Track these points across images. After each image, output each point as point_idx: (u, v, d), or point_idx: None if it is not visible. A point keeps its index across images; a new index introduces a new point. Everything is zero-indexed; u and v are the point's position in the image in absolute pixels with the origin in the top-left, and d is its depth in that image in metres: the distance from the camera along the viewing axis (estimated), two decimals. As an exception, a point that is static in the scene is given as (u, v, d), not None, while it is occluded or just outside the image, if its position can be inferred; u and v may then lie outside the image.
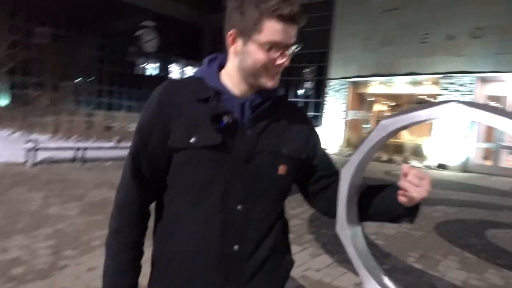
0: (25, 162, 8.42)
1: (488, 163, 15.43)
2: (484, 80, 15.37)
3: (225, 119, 0.99)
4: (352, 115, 19.52)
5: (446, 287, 3.59)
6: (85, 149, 9.66)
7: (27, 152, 8.45)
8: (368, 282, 1.00)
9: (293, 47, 0.99)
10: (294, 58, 1.03)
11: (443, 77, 15.78)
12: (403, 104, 18.83)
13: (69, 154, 9.52)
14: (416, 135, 16.63)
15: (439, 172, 14.18)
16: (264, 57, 0.97)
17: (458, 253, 4.61)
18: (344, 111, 19.58)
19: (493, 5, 14.45)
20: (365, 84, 19.30)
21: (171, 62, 39.60)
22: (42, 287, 3.00)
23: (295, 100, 23.78)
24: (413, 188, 0.95)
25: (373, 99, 20.09)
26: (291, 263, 1.17)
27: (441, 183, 10.72)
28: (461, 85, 15.29)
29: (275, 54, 0.97)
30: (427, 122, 0.91)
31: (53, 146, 9.96)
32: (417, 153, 16.35)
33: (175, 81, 1.09)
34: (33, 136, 11.45)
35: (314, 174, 1.15)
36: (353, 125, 19.56)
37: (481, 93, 15.61)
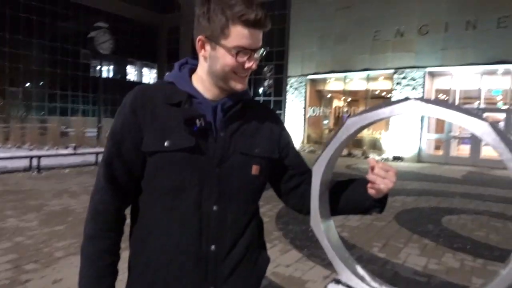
0: (-26, 174, 7.94)
1: (439, 153, 16.30)
2: (432, 75, 16.21)
3: (198, 122, 1.02)
4: (312, 111, 19.92)
5: (408, 273, 3.78)
6: (40, 157, 9.22)
7: (-24, 163, 7.97)
8: (343, 272, 1.05)
9: (261, 51, 1.03)
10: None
11: (395, 72, 16.48)
12: (360, 99, 19.47)
13: (23, 163, 9.05)
14: (374, 129, 17.24)
15: (395, 164, 14.81)
16: (232, 61, 1.00)
17: (417, 240, 4.86)
18: (304, 108, 19.94)
19: (436, 3, 15.27)
20: (323, 81, 19.75)
21: (127, 64, 38.55)
22: (4, 304, 2.86)
23: (256, 98, 23.88)
24: (380, 180, 1.00)
25: (331, 95, 20.59)
26: (267, 260, 1.21)
27: (398, 174, 11.17)
28: (412, 79, 16.04)
29: (242, 58, 1.00)
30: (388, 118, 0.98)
31: (5, 155, 9.42)
32: (375, 146, 16.97)
33: (146, 86, 1.10)
34: (-19, 146, 10.80)
35: (286, 172, 1.19)
36: (313, 122, 19.97)
37: (431, 87, 16.46)
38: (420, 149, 15.80)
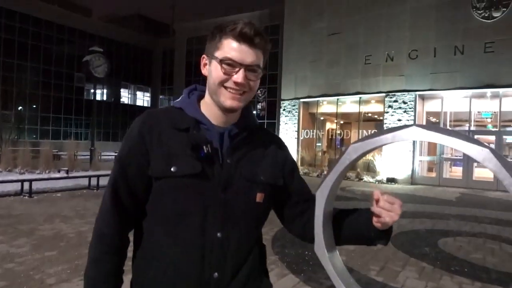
0: (-36, 198, 7.79)
1: (433, 175, 16.40)
2: (423, 98, 16.51)
3: (205, 148, 1.03)
4: (305, 134, 20.06)
5: (406, 297, 3.74)
6: (32, 180, 9.10)
7: (-34, 188, 7.84)
8: (348, 299, 1.05)
9: (258, 71, 1.05)
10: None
11: (386, 95, 16.74)
12: (352, 122, 19.67)
13: (14, 186, 8.93)
14: (367, 151, 17.31)
15: (389, 186, 14.85)
16: (221, 73, 1.03)
17: (414, 263, 4.82)
18: (297, 131, 20.07)
19: (424, 30, 15.73)
20: (316, 104, 19.98)
21: (121, 87, 38.75)
22: (-6, 334, 2.77)
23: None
24: (385, 213, 0.97)
25: (324, 118, 20.79)
26: (269, 287, 1.20)
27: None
28: (403, 102, 16.30)
29: (230, 70, 1.02)
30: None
31: (-4, 179, 9.29)
32: (369, 168, 17.04)
33: (155, 111, 1.12)
34: (-28, 169, 10.64)
35: (290, 199, 1.20)
36: (306, 144, 20.07)
37: (422, 109, 16.73)
38: (413, 171, 15.91)
